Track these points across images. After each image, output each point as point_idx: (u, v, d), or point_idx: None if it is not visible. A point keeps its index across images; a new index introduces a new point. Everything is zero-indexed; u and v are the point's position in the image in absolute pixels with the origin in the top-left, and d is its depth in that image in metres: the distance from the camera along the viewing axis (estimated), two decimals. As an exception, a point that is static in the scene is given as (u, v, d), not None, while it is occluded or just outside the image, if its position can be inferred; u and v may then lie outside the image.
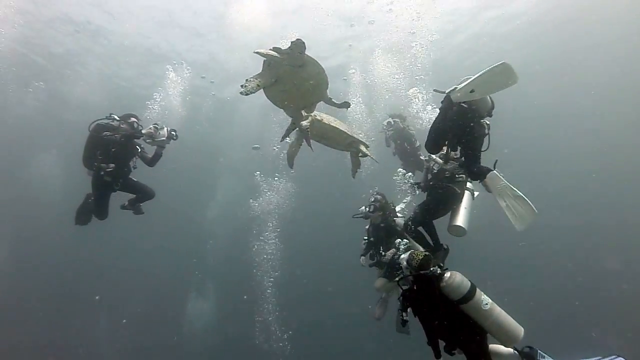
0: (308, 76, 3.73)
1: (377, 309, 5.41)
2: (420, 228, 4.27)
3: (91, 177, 4.81)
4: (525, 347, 3.00)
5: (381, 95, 9.51)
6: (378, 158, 5.53)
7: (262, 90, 3.68)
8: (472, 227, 4.21)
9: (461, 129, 3.62)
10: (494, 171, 3.51)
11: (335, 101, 4.30)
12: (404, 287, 3.13)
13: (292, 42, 3.34)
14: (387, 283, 5.09)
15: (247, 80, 3.46)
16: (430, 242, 4.29)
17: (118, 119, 4.76)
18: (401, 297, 3.11)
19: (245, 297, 14.10)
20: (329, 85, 3.99)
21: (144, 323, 15.25)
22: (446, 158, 4.33)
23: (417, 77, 8.70)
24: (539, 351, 2.93)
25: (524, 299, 11.76)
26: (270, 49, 3.43)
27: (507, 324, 2.83)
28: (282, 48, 3.44)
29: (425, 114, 6.70)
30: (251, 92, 3.45)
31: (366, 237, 5.45)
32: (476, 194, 4.53)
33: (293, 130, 4.45)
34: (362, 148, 5.00)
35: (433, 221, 4.28)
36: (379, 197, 5.38)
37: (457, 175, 4.30)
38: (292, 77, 3.65)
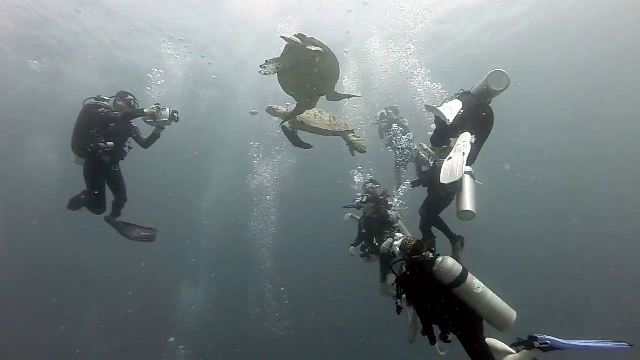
0: (324, 68, 3.73)
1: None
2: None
3: (83, 164, 4.50)
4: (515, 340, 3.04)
5: (379, 75, 9.48)
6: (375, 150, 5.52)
7: (270, 77, 3.69)
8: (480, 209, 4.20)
9: (477, 120, 3.64)
10: (469, 133, 3.50)
11: (341, 94, 4.29)
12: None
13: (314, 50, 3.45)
14: (388, 285, 4.94)
15: (266, 61, 3.49)
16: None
17: (107, 99, 4.53)
18: (395, 283, 3.11)
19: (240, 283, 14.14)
20: (338, 80, 4.01)
21: (137, 312, 15.27)
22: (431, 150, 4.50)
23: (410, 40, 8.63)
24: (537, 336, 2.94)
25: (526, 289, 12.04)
26: (295, 35, 3.43)
27: (499, 307, 2.84)
28: (307, 36, 3.46)
29: (424, 90, 6.75)
30: (269, 74, 3.50)
31: (350, 214, 5.42)
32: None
33: (294, 116, 4.43)
34: (350, 136, 5.00)
35: (440, 216, 4.35)
36: (373, 186, 5.28)
37: None
38: (309, 66, 3.63)
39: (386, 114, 6.92)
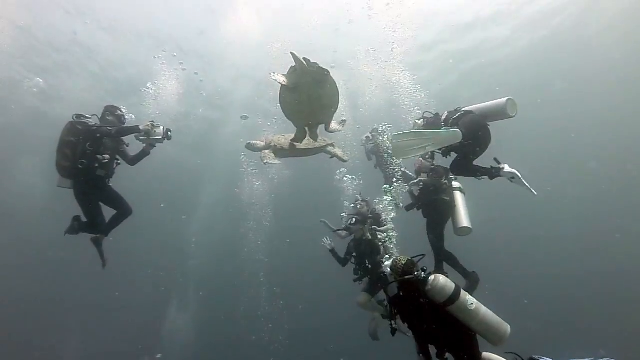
0: (324, 94, 3.86)
1: (370, 328, 5.12)
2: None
3: (69, 186, 4.20)
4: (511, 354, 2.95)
5: (367, 89, 9.59)
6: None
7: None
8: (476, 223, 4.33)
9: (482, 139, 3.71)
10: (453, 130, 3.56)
11: (336, 127, 4.39)
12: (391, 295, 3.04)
13: (319, 67, 3.67)
14: (369, 299, 4.82)
15: (275, 72, 3.82)
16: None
17: (89, 116, 4.31)
18: (388, 305, 3.01)
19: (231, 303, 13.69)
20: (337, 109, 4.19)
21: (124, 329, 14.74)
22: (418, 171, 4.63)
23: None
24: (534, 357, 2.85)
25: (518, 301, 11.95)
26: (302, 58, 3.61)
27: (493, 322, 2.79)
28: (311, 61, 3.64)
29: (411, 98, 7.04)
30: (277, 82, 3.80)
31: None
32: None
33: (299, 140, 4.53)
34: (330, 149, 5.13)
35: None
36: (362, 204, 5.12)
37: (439, 186, 4.35)
38: (309, 90, 3.79)
39: (371, 137, 6.91)
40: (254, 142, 4.86)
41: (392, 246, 4.85)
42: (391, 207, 5.25)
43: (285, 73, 3.82)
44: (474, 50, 13.05)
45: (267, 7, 10.72)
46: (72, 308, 15.30)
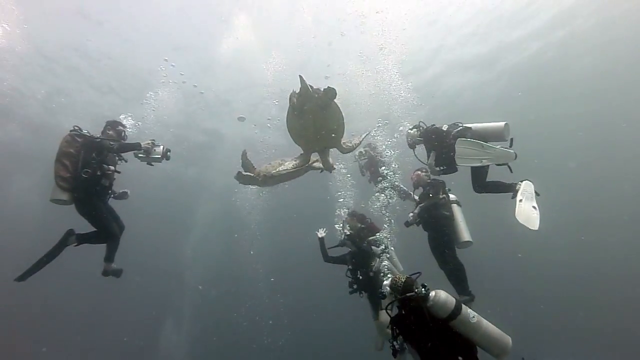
0: (328, 120, 3.88)
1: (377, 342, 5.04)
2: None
3: (66, 199, 3.92)
4: None
5: (363, 98, 9.59)
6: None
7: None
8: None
9: None
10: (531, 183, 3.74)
11: (350, 144, 4.40)
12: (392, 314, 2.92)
13: (326, 89, 3.67)
14: (384, 324, 4.64)
15: (294, 90, 3.89)
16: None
17: (86, 132, 4.09)
18: (390, 325, 2.90)
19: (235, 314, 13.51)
20: (344, 135, 4.19)
21: (121, 342, 14.46)
22: (416, 185, 4.62)
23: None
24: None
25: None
26: (308, 84, 3.70)
27: (495, 334, 2.71)
28: (314, 87, 3.74)
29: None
30: (292, 96, 3.86)
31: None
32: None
33: (301, 166, 4.52)
34: (317, 165, 5.07)
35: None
36: (350, 218, 5.06)
37: (438, 202, 4.31)
38: (314, 115, 3.81)
39: (364, 152, 6.82)
40: (244, 172, 4.86)
41: (392, 252, 4.73)
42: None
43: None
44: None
45: (264, 21, 10.69)
46: (71, 317, 14.99)
